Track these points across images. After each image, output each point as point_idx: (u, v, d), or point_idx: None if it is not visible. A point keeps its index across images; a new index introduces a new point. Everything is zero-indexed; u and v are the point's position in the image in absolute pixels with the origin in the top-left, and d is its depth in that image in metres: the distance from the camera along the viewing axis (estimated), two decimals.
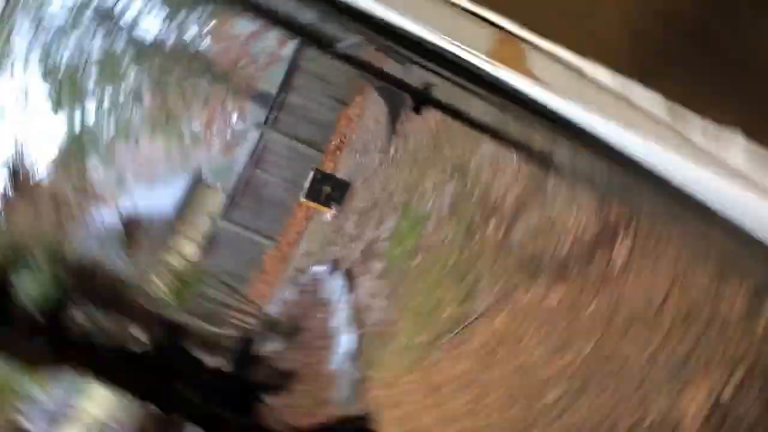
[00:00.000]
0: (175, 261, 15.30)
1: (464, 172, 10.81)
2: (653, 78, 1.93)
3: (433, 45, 2.21)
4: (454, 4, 1.93)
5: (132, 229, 13.82)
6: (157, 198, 24.85)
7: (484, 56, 1.98)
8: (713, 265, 4.78)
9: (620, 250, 5.95)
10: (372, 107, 21.26)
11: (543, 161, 4.54)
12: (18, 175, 12.32)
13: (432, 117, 13.98)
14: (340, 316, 13.29)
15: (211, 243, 25.67)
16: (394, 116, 17.21)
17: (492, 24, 1.90)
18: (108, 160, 33.54)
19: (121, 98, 29.96)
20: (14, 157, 12.75)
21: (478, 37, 1.93)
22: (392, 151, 16.60)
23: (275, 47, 34.74)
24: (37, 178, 12.66)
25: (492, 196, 9.28)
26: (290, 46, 28.68)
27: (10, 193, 12.02)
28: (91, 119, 30.59)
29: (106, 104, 30.37)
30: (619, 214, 6.24)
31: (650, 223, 5.66)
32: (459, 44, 1.98)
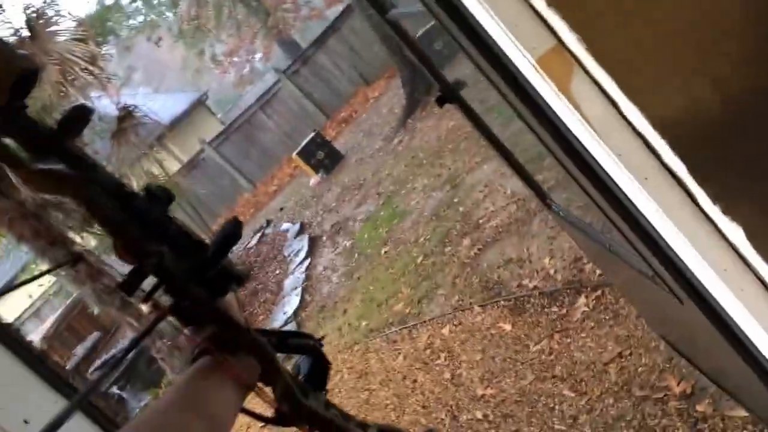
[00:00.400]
0: (154, 170, 15.23)
1: (457, 184, 10.91)
2: (689, 146, 1.99)
3: (487, 35, 2.22)
4: (527, 1, 1.95)
5: (125, 123, 13.73)
6: (158, 104, 24.76)
7: (531, 59, 1.98)
8: (667, 349, 4.91)
9: (583, 304, 6.07)
10: (391, 94, 21.30)
11: (540, 197, 4.58)
12: (39, 19, 12.18)
13: (445, 124, 14.10)
14: (293, 278, 13.40)
15: (193, 167, 25.66)
16: (408, 110, 17.29)
17: (553, 33, 1.94)
18: (124, 51, 33.52)
19: (159, 9, 29.97)
20: (41, 5, 12.64)
21: (534, 40, 1.95)
22: (395, 141, 16.68)
23: (322, 4, 34.93)
24: (53, 30, 12.52)
25: (476, 216, 9.38)
26: (336, 9, 28.78)
27: (26, 33, 11.90)
28: (121, 6, 30.55)
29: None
30: (592, 274, 6.37)
31: (618, 295, 5.79)
32: (514, 40, 2.00)
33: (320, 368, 1.51)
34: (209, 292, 1.22)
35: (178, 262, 1.20)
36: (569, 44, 1.92)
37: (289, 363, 1.54)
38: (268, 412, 1.35)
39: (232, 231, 1.28)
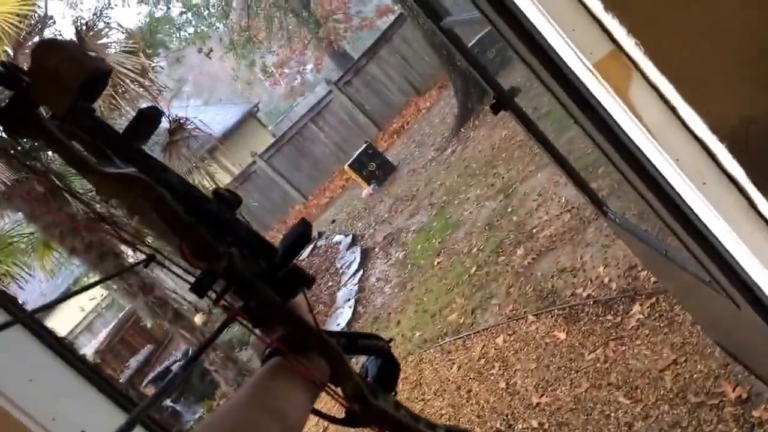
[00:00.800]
0: (205, 182, 15.33)
1: (511, 194, 10.91)
2: (748, 151, 1.98)
3: (544, 39, 2.23)
4: (585, 6, 1.96)
5: (176, 136, 13.82)
6: (208, 116, 24.90)
7: (589, 64, 1.99)
8: (722, 355, 4.89)
9: (637, 312, 6.05)
10: (443, 104, 21.34)
11: (596, 205, 4.57)
12: (89, 31, 12.31)
13: (498, 133, 14.10)
14: (346, 290, 13.45)
15: (245, 179, 25.77)
16: (461, 120, 17.29)
17: (611, 38, 1.95)
18: (174, 62, 33.82)
19: (210, 9, 30.19)
20: (91, 17, 12.78)
21: (592, 44, 1.96)
22: (448, 152, 16.69)
23: (373, 14, 35.08)
24: (103, 42, 12.63)
25: (529, 225, 9.38)
26: (387, 20, 28.86)
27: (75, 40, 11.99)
28: (171, 18, 30.85)
29: (191, 10, 30.65)
30: (647, 281, 6.34)
31: (673, 302, 5.76)
32: (571, 44, 1.99)
33: (389, 369, 1.49)
34: (279, 293, 1.24)
35: (248, 264, 1.22)
36: (627, 49, 1.93)
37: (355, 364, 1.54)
38: (337, 413, 1.36)
39: (302, 232, 1.28)
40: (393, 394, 1.42)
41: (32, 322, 2.61)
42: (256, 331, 1.29)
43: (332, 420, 1.35)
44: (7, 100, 1.08)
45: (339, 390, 1.30)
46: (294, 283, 1.28)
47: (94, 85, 1.14)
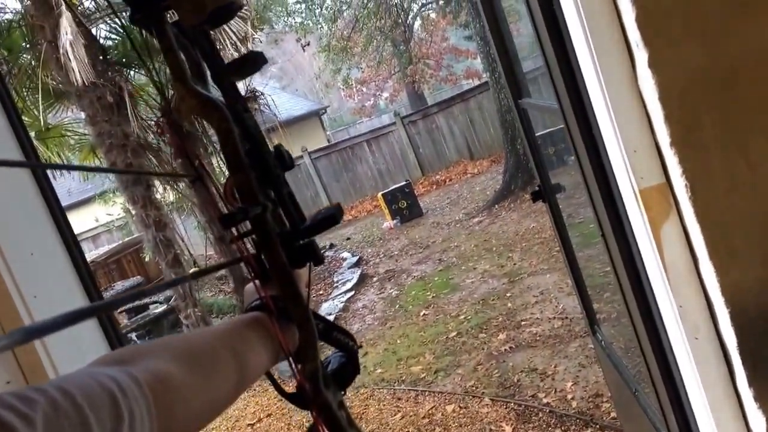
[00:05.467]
0: None
1: (515, 282, 11.01)
2: (748, 323, 2.00)
3: (604, 150, 2.30)
4: (653, 133, 1.99)
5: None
6: (280, 100, 25.27)
7: (636, 188, 2.02)
8: None
9: None
10: (489, 176, 21.53)
11: (589, 321, 4.69)
12: None
13: (527, 223, 14.24)
14: (332, 303, 13.63)
15: None
16: (500, 197, 17.45)
17: (665, 171, 1.98)
18: (272, 42, 34.41)
19: (323, 9, 30.85)
20: None
21: (646, 170, 2.00)
22: (476, 220, 16.86)
23: (462, 73, 35.50)
24: None
25: (520, 317, 9.45)
26: (471, 83, 29.09)
27: None
28: (286, 1, 31.44)
29: (306, 2, 31.22)
30: (606, 414, 6.43)
31: None
32: (627, 163, 2.04)
33: (349, 370, 1.50)
34: (289, 258, 1.30)
35: (276, 222, 1.31)
36: (676, 188, 1.99)
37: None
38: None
39: (333, 214, 1.37)
40: (342, 393, 1.45)
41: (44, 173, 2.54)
42: (255, 282, 1.36)
43: (281, 390, 1.37)
44: None
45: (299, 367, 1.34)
46: (306, 256, 1.36)
47: (224, 14, 1.23)
